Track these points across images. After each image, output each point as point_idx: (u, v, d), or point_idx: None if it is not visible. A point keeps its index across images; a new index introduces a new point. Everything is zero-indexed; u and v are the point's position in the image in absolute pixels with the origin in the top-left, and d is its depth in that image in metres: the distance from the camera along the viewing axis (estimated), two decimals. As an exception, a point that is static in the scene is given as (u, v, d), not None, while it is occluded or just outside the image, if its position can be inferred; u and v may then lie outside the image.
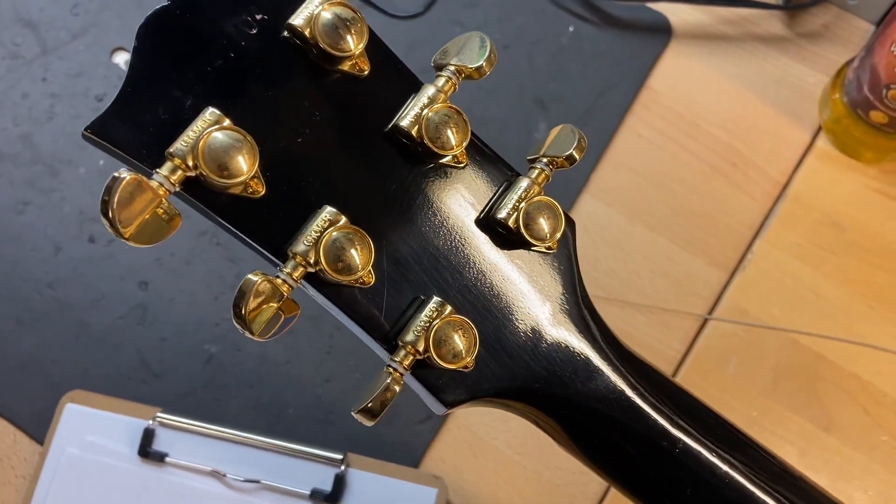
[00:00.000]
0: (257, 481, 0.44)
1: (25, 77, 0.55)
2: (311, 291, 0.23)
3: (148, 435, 0.45)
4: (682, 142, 0.52)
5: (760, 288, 0.48)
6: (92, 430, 0.46)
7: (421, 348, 0.23)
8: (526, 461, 0.46)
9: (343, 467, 0.44)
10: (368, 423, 0.23)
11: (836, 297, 0.48)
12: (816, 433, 0.46)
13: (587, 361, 0.26)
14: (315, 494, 0.44)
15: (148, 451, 0.45)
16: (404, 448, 0.47)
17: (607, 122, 0.53)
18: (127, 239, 0.20)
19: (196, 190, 0.22)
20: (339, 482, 0.44)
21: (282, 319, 0.22)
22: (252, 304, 0.21)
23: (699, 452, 0.26)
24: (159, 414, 0.46)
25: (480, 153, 0.25)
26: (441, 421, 0.47)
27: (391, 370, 0.23)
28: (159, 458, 0.45)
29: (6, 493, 0.46)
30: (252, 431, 0.45)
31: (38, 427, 0.47)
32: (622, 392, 0.26)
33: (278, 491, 0.44)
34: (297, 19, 0.22)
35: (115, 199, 0.20)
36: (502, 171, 0.26)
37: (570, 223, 0.26)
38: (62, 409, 0.46)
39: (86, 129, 0.21)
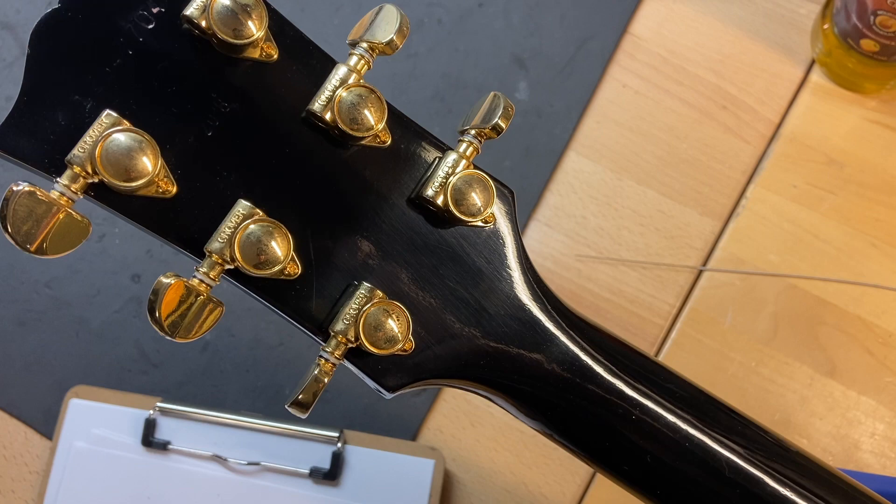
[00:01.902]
0: (258, 463, 0.45)
1: (7, 80, 0.55)
2: (237, 286, 0.23)
3: (150, 425, 0.46)
4: (668, 88, 0.50)
5: (756, 234, 0.47)
6: (97, 423, 0.47)
7: (351, 336, 0.23)
8: (522, 426, 0.46)
9: (340, 444, 0.45)
10: (301, 415, 0.22)
11: (837, 238, 0.46)
12: (819, 379, 0.45)
13: (536, 332, 0.25)
14: (314, 473, 0.44)
15: (151, 440, 0.46)
16: (401, 422, 0.47)
17: (589, 74, 0.51)
18: (35, 253, 0.20)
19: (105, 195, 0.21)
20: (337, 459, 0.44)
21: (203, 319, 0.22)
22: (165, 306, 0.21)
23: (659, 416, 0.26)
24: (159, 403, 0.46)
25: (406, 130, 0.24)
26: (436, 393, 0.47)
27: (322, 360, 0.23)
28: (162, 446, 0.46)
29: (22, 488, 0.48)
30: (250, 414, 0.46)
31: (46, 424, 0.48)
32: (575, 358, 0.25)
33: (278, 471, 0.45)
34: (191, 9, 0.22)
35: (11, 214, 0.19)
36: (432, 147, 0.25)
37: (509, 192, 0.25)
38: (67, 405, 0.47)
39: (-15, 143, 0.21)
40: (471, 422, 0.47)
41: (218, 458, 0.45)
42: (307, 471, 0.45)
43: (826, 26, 0.47)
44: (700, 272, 0.47)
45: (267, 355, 0.49)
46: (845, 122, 0.48)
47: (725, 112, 0.50)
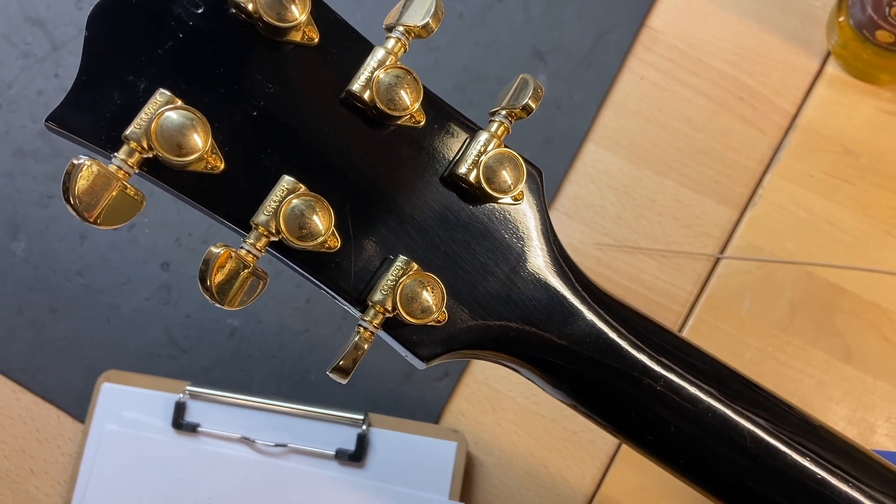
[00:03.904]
0: (285, 445, 0.46)
1: (38, 75, 0.57)
2: (280, 259, 0.24)
3: (180, 408, 0.47)
4: (685, 80, 0.51)
5: (773, 223, 0.48)
6: (128, 406, 0.48)
7: (389, 306, 0.24)
8: (543, 410, 0.47)
9: (365, 427, 0.46)
10: (342, 381, 0.24)
11: (853, 226, 0.47)
12: (836, 364, 0.45)
13: (563, 306, 0.26)
14: (340, 454, 0.46)
15: (181, 422, 0.47)
16: (424, 405, 0.48)
17: (607, 66, 0.52)
18: (93, 223, 0.21)
19: (157, 170, 0.22)
20: (362, 441, 0.45)
21: (249, 287, 0.23)
22: (216, 275, 0.22)
23: (681, 388, 0.27)
24: (189, 387, 0.48)
25: (439, 111, 0.26)
26: (458, 377, 0.48)
27: (361, 329, 0.24)
28: (192, 428, 0.47)
29: (56, 470, 0.49)
30: (277, 398, 0.47)
31: (78, 407, 0.50)
32: (600, 332, 0.26)
33: (305, 453, 0.46)
34: (239, -6, 0.23)
35: (76, 186, 0.21)
36: (464, 127, 0.26)
37: (537, 172, 0.26)
38: (99, 389, 0.49)
39: (46, 120, 0.22)
40: (492, 406, 0.48)
41: (246, 440, 0.46)
42: (333, 452, 0.46)
43: (841, 18, 0.48)
44: (717, 260, 0.48)
45: (292, 341, 0.50)
46: (861, 113, 0.49)
47: (742, 103, 0.50)
